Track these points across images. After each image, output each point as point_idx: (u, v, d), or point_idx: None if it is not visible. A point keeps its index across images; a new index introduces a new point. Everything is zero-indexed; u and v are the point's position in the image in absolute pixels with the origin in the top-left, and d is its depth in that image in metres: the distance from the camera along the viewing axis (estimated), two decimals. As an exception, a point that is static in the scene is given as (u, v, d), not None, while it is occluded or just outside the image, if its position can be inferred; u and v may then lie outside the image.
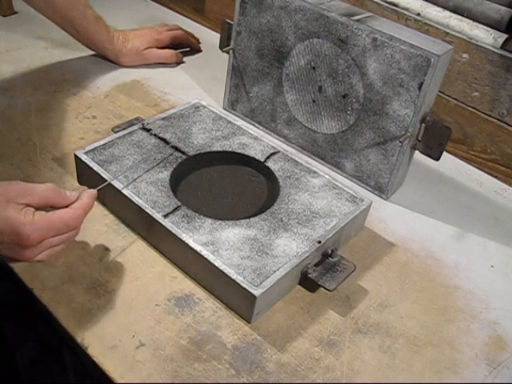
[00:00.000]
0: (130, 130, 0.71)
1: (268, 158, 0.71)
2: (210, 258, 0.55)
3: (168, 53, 0.97)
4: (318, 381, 0.51)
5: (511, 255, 0.70)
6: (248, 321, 0.55)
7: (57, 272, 0.58)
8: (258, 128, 0.85)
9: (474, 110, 0.83)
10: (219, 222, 0.60)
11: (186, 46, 1.03)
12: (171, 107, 0.81)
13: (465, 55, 0.80)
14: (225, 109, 0.88)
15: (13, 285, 0.59)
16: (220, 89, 0.88)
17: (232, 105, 0.87)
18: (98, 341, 0.52)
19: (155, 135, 0.71)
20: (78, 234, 0.56)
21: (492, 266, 0.68)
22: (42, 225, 0.51)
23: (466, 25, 0.81)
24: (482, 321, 0.60)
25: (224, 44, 0.84)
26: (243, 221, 0.61)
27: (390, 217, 0.72)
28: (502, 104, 0.79)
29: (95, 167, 0.64)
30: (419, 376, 0.53)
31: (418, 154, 0.74)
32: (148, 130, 0.72)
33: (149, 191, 0.62)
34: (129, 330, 0.53)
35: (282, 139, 0.83)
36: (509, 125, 0.80)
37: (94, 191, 0.57)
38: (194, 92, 0.92)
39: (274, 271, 0.55)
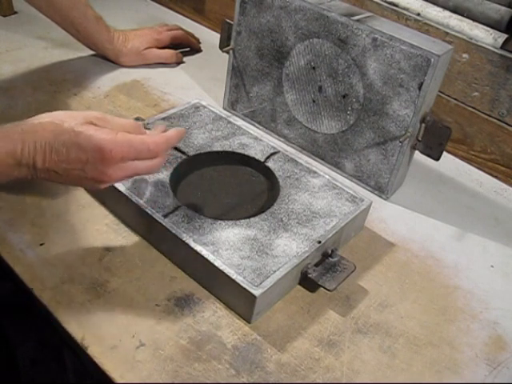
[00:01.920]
0: (130, 129, 0.71)
1: (268, 157, 0.71)
2: (210, 258, 0.55)
3: (168, 53, 0.97)
4: (318, 381, 0.51)
5: (511, 255, 0.70)
6: (248, 321, 0.55)
7: (57, 272, 0.58)
8: (258, 128, 0.85)
9: (474, 110, 0.83)
10: (219, 221, 0.60)
11: (186, 46, 1.03)
12: (171, 107, 0.81)
13: (465, 55, 0.80)
14: (225, 109, 0.88)
15: (13, 285, 0.59)
16: (220, 89, 0.88)
17: (232, 105, 0.87)
18: (98, 341, 0.52)
19: (155, 135, 0.71)
20: (160, 166, 0.56)
21: (492, 266, 0.68)
22: (123, 142, 0.52)
23: (466, 25, 0.81)
24: (482, 321, 0.60)
25: (224, 44, 0.84)
26: (243, 221, 0.61)
27: (389, 217, 0.72)
28: (502, 104, 0.79)
29: (95, 167, 0.64)
30: (419, 376, 0.53)
31: (417, 154, 0.74)
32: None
33: (149, 191, 0.62)
34: (129, 330, 0.53)
35: (281, 139, 0.83)
36: (509, 125, 0.80)
37: (182, 129, 0.58)
38: (194, 92, 0.92)
39: (274, 271, 0.55)
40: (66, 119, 0.52)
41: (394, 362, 0.54)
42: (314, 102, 0.77)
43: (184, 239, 0.57)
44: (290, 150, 0.77)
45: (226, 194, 0.68)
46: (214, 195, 0.67)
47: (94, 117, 0.53)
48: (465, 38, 0.79)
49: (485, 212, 0.77)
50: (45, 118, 0.52)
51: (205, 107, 0.79)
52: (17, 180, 0.53)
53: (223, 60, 0.86)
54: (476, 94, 0.81)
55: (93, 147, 0.51)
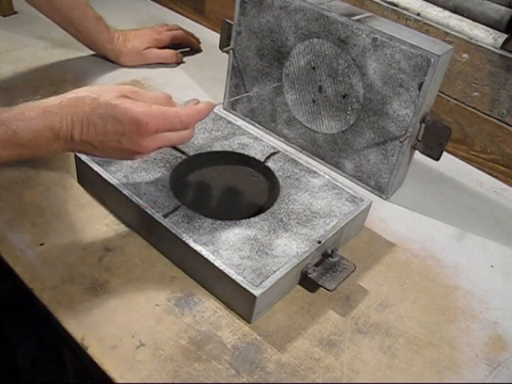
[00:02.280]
0: (130, 129, 0.71)
1: (268, 158, 0.71)
2: (210, 258, 0.55)
3: (168, 53, 0.97)
4: (318, 381, 0.51)
5: (511, 255, 0.70)
6: (248, 321, 0.55)
7: (57, 272, 0.58)
8: (258, 128, 0.85)
9: (474, 110, 0.83)
10: (219, 221, 0.60)
11: (186, 46, 1.03)
12: (171, 107, 0.81)
13: (465, 55, 0.80)
14: (225, 109, 0.88)
15: (13, 285, 0.59)
16: (220, 89, 0.88)
17: (232, 105, 0.87)
18: (98, 341, 0.52)
19: (155, 135, 0.71)
20: (191, 137, 0.58)
21: (492, 266, 0.68)
22: (158, 114, 0.54)
23: (466, 25, 0.81)
24: (482, 321, 0.60)
25: (224, 44, 0.84)
26: (243, 221, 0.61)
27: (389, 217, 0.72)
28: (502, 104, 0.79)
29: (95, 167, 0.64)
30: (419, 376, 0.53)
31: (417, 154, 0.74)
32: (148, 130, 0.72)
33: (149, 191, 0.62)
34: (129, 330, 0.53)
35: (282, 139, 0.83)
36: (509, 125, 0.80)
37: (212, 103, 0.60)
38: (194, 92, 0.92)
39: (274, 271, 0.55)
40: (101, 93, 0.54)
41: (393, 362, 0.54)
42: (314, 102, 0.77)
43: (184, 239, 0.57)
44: (290, 150, 0.77)
45: (225, 194, 0.68)
46: (213, 195, 0.67)
47: (128, 90, 0.55)
48: (465, 37, 0.79)
49: (485, 212, 0.77)
50: (81, 92, 0.54)
51: (205, 107, 0.79)
52: (54, 153, 0.55)
53: (223, 60, 0.86)
54: (476, 94, 0.81)
55: (129, 120, 0.52)
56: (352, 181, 0.77)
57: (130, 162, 0.66)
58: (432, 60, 0.64)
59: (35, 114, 0.52)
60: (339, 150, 0.77)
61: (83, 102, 0.53)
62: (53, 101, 0.54)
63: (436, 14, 0.83)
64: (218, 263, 0.55)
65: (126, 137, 0.53)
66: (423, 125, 0.70)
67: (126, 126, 0.53)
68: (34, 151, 0.53)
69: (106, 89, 0.55)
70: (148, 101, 0.55)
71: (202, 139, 0.72)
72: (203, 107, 0.59)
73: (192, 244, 0.57)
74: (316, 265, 0.60)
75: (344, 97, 0.73)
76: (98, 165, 0.65)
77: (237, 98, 0.83)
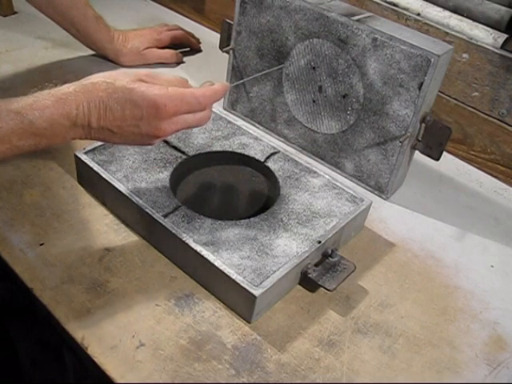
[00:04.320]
0: (130, 129, 0.71)
1: (268, 157, 0.71)
2: (210, 258, 0.55)
3: (168, 53, 0.97)
4: (317, 381, 0.51)
5: (511, 255, 0.70)
6: (248, 321, 0.55)
7: (57, 272, 0.58)
8: (258, 128, 0.85)
9: (474, 110, 0.83)
10: (219, 222, 0.60)
11: (185, 46, 1.03)
12: (171, 107, 0.81)
13: (465, 55, 0.80)
14: (225, 109, 0.88)
15: (13, 285, 0.59)
16: (220, 89, 0.88)
17: (232, 105, 0.87)
18: (98, 341, 0.52)
19: (155, 135, 0.71)
20: (209, 118, 0.58)
21: (492, 266, 0.68)
22: (176, 96, 0.53)
23: (465, 25, 0.81)
24: (481, 321, 0.60)
25: (224, 44, 0.84)
26: (243, 221, 0.61)
27: (389, 217, 0.72)
28: (502, 104, 0.79)
29: (95, 167, 0.64)
30: (419, 376, 0.53)
31: (418, 154, 0.74)
32: (148, 130, 0.72)
33: (149, 191, 0.62)
34: (129, 330, 0.53)
35: (282, 139, 0.83)
36: (509, 125, 0.80)
37: (227, 84, 0.59)
38: (194, 92, 0.92)
39: (274, 271, 0.55)
40: (117, 77, 0.53)
41: (393, 362, 0.54)
42: (313, 102, 0.77)
43: (184, 239, 0.57)
44: (290, 150, 0.77)
45: (225, 194, 0.68)
46: (213, 195, 0.67)
47: (143, 74, 0.55)
48: (465, 37, 0.79)
49: (485, 212, 0.77)
50: (96, 78, 0.53)
51: (205, 107, 0.79)
52: (72, 140, 0.54)
53: (223, 60, 0.86)
54: (476, 94, 0.81)
55: (147, 103, 0.52)
56: (352, 181, 0.77)
57: (130, 162, 0.66)
58: (432, 60, 0.64)
59: (50, 101, 0.51)
60: (339, 150, 0.77)
61: (98, 88, 0.52)
62: (67, 88, 0.52)
63: (436, 13, 0.83)
64: (218, 263, 0.55)
65: (145, 121, 0.53)
66: (423, 125, 0.70)
67: (144, 110, 0.52)
68: (50, 140, 0.52)
69: (121, 73, 0.54)
70: (164, 84, 0.54)
71: (201, 139, 0.72)
72: (219, 87, 0.57)
73: (192, 244, 0.57)
74: (316, 265, 0.60)
75: (344, 97, 0.73)
76: (98, 165, 0.65)
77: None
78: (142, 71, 0.55)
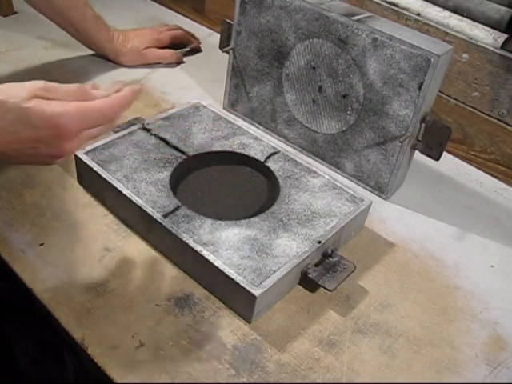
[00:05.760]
0: (130, 129, 0.71)
1: (268, 157, 0.71)
2: (210, 258, 0.55)
3: (168, 53, 0.97)
4: (317, 381, 0.51)
5: (511, 255, 0.70)
6: (248, 321, 0.55)
7: (57, 272, 0.58)
8: (258, 128, 0.85)
9: (474, 110, 0.83)
10: (219, 222, 0.60)
11: (185, 46, 1.03)
12: (171, 107, 0.81)
13: (465, 55, 0.80)
14: (225, 109, 0.88)
15: (13, 285, 0.59)
16: (220, 89, 0.88)
17: (232, 105, 0.87)
18: (98, 341, 0.52)
19: (155, 135, 0.71)
20: (114, 125, 0.53)
21: (492, 266, 0.68)
22: (78, 113, 0.48)
23: (465, 25, 0.81)
24: (482, 321, 0.60)
25: (224, 44, 0.84)
26: (243, 221, 0.61)
27: (389, 217, 0.72)
28: (502, 104, 0.79)
29: (95, 167, 0.64)
30: (419, 376, 0.53)
31: (418, 154, 0.74)
32: (148, 130, 0.72)
33: (149, 191, 0.62)
34: (129, 330, 0.53)
35: (282, 139, 0.83)
36: (509, 125, 0.80)
37: (136, 87, 0.53)
38: (194, 92, 0.92)
39: (274, 271, 0.55)
40: (9, 94, 0.47)
41: (393, 362, 0.54)
42: (313, 102, 0.77)
43: (184, 239, 0.57)
44: (290, 150, 0.77)
45: (226, 194, 0.68)
46: (213, 195, 0.67)
47: (37, 88, 0.48)
48: (465, 37, 0.79)
49: (485, 212, 0.77)
50: None
51: (205, 107, 0.79)
52: None
53: (223, 60, 0.86)
54: (476, 94, 0.81)
55: (45, 124, 0.47)
56: (352, 181, 0.77)
57: (130, 162, 0.66)
58: (432, 60, 0.64)
59: None
60: (339, 150, 0.77)
61: None
62: None
63: (436, 13, 0.83)
64: (218, 263, 0.55)
65: (44, 142, 0.48)
66: (423, 125, 0.70)
67: (43, 131, 0.47)
68: None
69: (13, 88, 0.48)
70: (63, 96, 0.49)
71: (201, 139, 0.72)
72: (128, 94, 0.52)
73: (192, 244, 0.57)
74: (316, 265, 0.60)
75: (344, 97, 0.73)
76: (98, 165, 0.65)
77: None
78: (37, 84, 0.49)
